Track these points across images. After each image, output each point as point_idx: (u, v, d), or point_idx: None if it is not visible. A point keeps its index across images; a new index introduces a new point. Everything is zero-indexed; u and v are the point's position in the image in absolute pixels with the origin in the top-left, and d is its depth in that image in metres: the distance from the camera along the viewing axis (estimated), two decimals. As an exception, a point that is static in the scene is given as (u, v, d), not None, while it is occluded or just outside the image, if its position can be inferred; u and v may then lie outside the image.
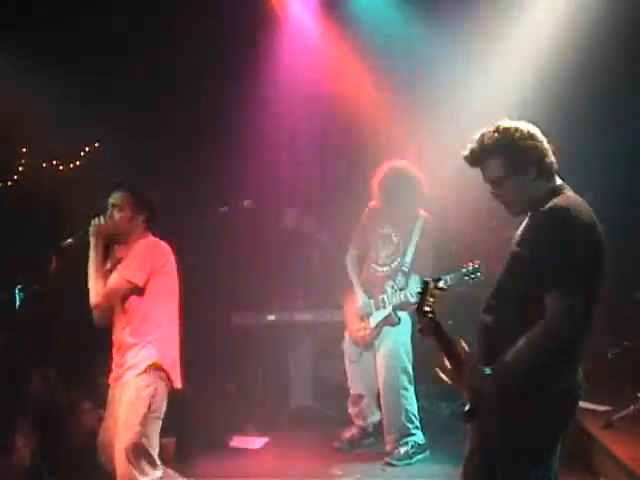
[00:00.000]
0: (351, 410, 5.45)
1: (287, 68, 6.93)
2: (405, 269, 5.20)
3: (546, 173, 2.66)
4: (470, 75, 6.18)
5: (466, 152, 2.71)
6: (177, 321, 3.93)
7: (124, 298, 3.84)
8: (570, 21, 5.74)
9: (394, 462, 5.02)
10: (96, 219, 3.90)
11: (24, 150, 7.80)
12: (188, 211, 7.04)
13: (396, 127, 6.34)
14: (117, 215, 3.91)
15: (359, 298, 5.29)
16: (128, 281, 3.78)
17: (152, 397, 3.70)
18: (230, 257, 6.94)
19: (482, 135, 2.68)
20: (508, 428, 2.56)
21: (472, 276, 4.92)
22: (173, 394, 3.88)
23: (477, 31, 5.96)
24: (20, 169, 7.80)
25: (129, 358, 3.77)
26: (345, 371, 5.48)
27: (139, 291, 3.80)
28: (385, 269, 5.26)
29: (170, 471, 4.01)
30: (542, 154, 2.65)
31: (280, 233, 6.97)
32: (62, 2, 6.42)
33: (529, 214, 2.69)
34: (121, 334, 3.84)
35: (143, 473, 3.61)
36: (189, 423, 5.29)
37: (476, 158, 2.70)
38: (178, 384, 3.85)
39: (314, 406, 6.15)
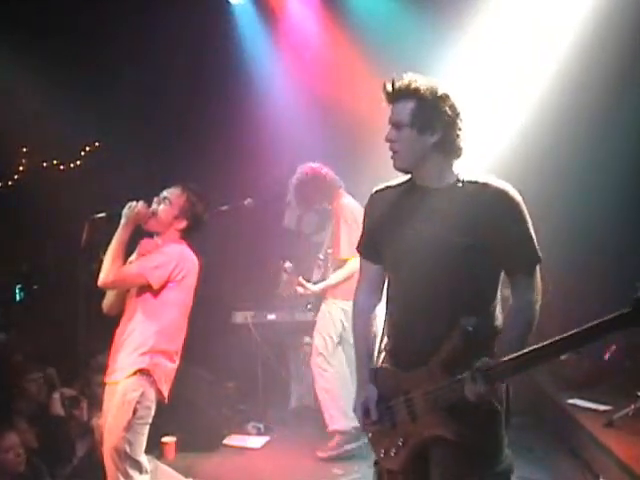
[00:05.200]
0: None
1: (287, 67, 6.94)
2: (320, 262, 5.59)
3: (449, 150, 2.54)
4: (474, 72, 6.17)
5: (390, 84, 2.56)
6: (182, 334, 3.80)
7: (137, 296, 3.73)
8: (575, 15, 5.74)
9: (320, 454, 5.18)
10: (134, 202, 3.76)
11: (24, 150, 7.81)
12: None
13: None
14: (163, 208, 3.81)
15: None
16: (144, 277, 3.65)
17: (138, 402, 3.57)
18: (230, 256, 6.95)
19: (416, 78, 2.54)
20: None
21: None
22: (173, 394, 3.84)
23: (481, 28, 5.96)
24: (20, 169, 7.81)
25: (121, 358, 3.67)
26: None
27: (151, 293, 3.68)
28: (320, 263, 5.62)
29: (170, 471, 4.01)
30: (456, 133, 2.52)
31: (280, 232, 6.97)
32: (62, 4, 6.42)
33: (444, 192, 2.54)
34: (123, 330, 3.73)
35: (128, 477, 3.54)
36: (189, 423, 5.29)
37: (397, 94, 2.54)
38: (165, 397, 3.71)
39: (314, 406, 6.14)
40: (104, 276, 3.67)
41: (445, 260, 2.46)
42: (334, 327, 5.27)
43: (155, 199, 3.85)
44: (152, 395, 3.63)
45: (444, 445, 2.44)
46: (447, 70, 6.22)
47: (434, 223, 2.51)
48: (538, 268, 2.52)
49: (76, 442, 4.82)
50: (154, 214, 3.81)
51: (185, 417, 5.23)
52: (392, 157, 2.58)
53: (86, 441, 4.81)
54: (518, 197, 2.51)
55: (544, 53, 5.90)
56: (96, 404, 4.98)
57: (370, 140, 6.49)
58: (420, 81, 2.52)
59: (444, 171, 2.57)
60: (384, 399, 2.58)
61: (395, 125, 2.55)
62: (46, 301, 7.23)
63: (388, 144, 2.59)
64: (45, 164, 7.91)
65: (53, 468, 4.47)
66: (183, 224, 3.84)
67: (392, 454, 2.55)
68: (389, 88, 2.55)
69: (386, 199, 2.67)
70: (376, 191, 2.74)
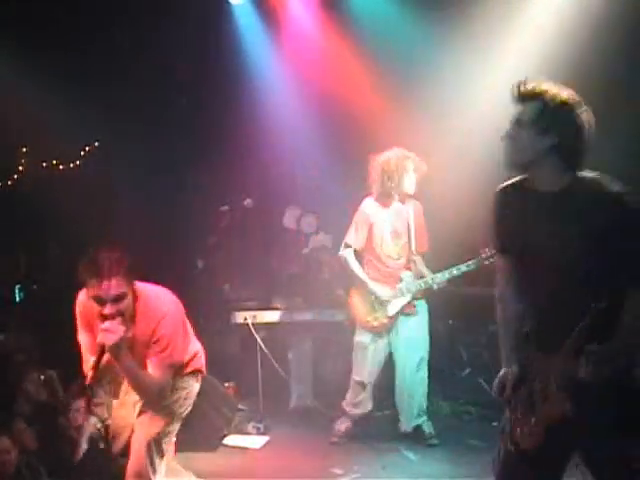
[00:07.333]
0: (351, 398, 5.42)
1: (287, 67, 6.94)
2: (415, 257, 5.30)
3: (566, 156, 2.63)
4: (472, 73, 6.17)
5: (519, 85, 2.70)
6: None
7: None
8: (573, 16, 5.74)
9: (435, 442, 5.24)
10: (109, 335, 3.22)
11: (24, 150, 7.81)
12: (188, 211, 7.05)
13: (397, 126, 6.34)
14: (122, 306, 3.29)
15: (374, 287, 5.26)
16: (174, 365, 3.51)
17: (185, 399, 3.67)
18: (230, 256, 6.95)
19: (545, 83, 2.67)
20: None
21: (491, 259, 4.94)
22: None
23: (478, 29, 5.96)
24: (20, 169, 7.82)
25: None
26: (345, 370, 5.51)
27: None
28: (401, 261, 5.30)
29: (178, 467, 4.01)
30: (577, 140, 2.63)
31: (280, 232, 6.97)
32: (62, 5, 6.42)
33: (561, 195, 2.65)
34: None
35: (154, 468, 3.57)
36: (189, 423, 5.27)
37: (523, 94, 2.68)
38: None
39: (314, 406, 6.15)
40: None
41: (573, 259, 2.61)
42: None
43: (106, 312, 3.25)
44: (194, 393, 3.76)
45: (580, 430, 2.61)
46: (445, 68, 6.27)
47: (555, 226, 2.64)
48: None
49: (76, 442, 4.81)
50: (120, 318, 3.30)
51: (185, 417, 5.21)
52: (506, 154, 2.70)
53: (86, 441, 4.80)
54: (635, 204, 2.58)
55: (542, 51, 5.91)
56: (96, 405, 4.99)
57: (371, 139, 6.53)
58: (548, 86, 2.66)
59: (558, 174, 2.66)
60: (527, 380, 2.74)
61: (517, 123, 2.68)
62: (46, 301, 7.23)
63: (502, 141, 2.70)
64: (45, 164, 7.91)
65: (53, 469, 4.47)
66: (134, 281, 3.40)
67: (527, 434, 2.71)
68: (517, 88, 2.70)
69: (510, 199, 2.81)
70: (501, 190, 2.84)
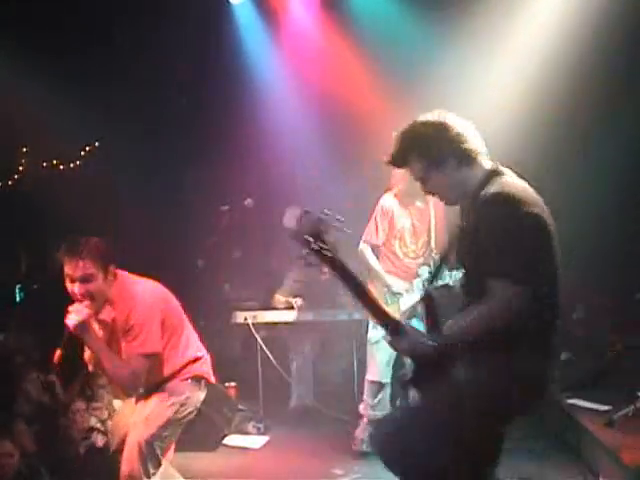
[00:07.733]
0: (368, 401, 5.22)
1: (287, 67, 6.94)
2: (434, 256, 5.17)
3: (466, 159, 2.67)
4: (474, 71, 6.17)
5: (388, 158, 2.77)
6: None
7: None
8: (573, 16, 5.74)
9: None
10: (72, 316, 3.34)
11: (24, 150, 7.82)
12: (188, 211, 7.05)
13: (397, 126, 6.33)
14: (91, 287, 3.36)
15: (388, 279, 5.15)
16: (146, 355, 3.40)
17: (182, 405, 3.58)
18: (230, 256, 6.95)
19: (398, 137, 2.75)
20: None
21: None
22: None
23: (478, 28, 5.96)
24: (20, 169, 7.82)
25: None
26: (344, 370, 5.49)
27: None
28: (419, 261, 5.21)
29: (171, 469, 4.00)
30: (456, 142, 2.66)
31: (280, 232, 6.96)
32: (62, 5, 6.43)
33: (471, 200, 2.68)
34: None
35: (146, 473, 3.52)
36: (189, 423, 5.26)
37: (398, 162, 2.77)
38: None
39: (314, 406, 6.15)
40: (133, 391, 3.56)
41: (459, 258, 2.78)
42: None
43: (75, 290, 3.38)
44: (198, 400, 3.67)
45: None
46: (447, 67, 6.27)
47: (461, 230, 2.77)
48: (504, 284, 2.48)
49: (76, 442, 4.81)
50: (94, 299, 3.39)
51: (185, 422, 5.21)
52: (441, 200, 2.84)
53: (86, 441, 4.80)
54: (500, 207, 2.53)
55: (544, 49, 5.90)
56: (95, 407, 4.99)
57: (370, 138, 6.53)
58: (405, 135, 2.73)
59: (473, 182, 2.69)
60: None
61: (422, 182, 2.77)
62: (46, 301, 7.23)
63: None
64: (45, 164, 7.92)
65: (53, 469, 4.47)
66: (113, 267, 3.45)
67: None
68: (390, 162, 2.77)
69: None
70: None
